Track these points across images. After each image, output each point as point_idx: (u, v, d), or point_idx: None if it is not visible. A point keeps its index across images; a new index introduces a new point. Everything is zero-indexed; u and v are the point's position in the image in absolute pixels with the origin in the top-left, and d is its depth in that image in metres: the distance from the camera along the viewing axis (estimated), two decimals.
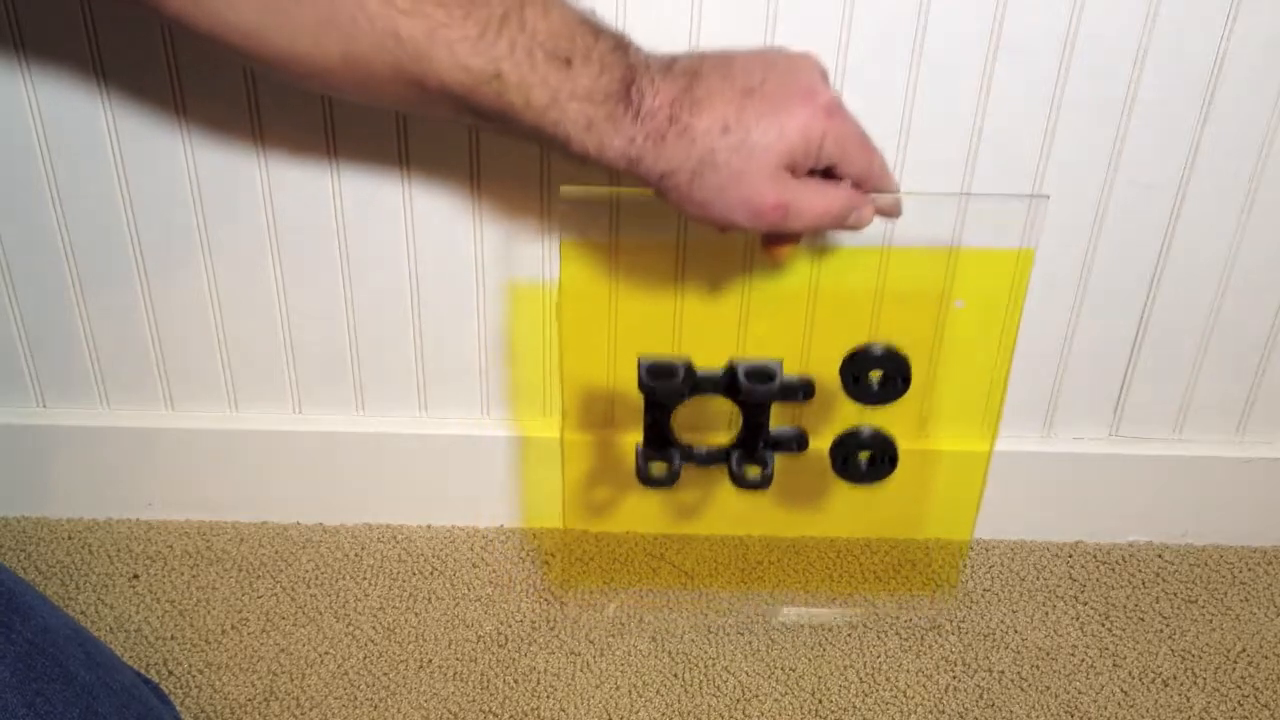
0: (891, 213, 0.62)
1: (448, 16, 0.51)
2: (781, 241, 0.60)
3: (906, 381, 0.66)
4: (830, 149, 0.56)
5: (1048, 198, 0.67)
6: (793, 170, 0.56)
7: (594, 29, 0.53)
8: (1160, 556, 0.81)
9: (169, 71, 0.66)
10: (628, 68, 0.54)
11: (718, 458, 0.68)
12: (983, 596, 0.78)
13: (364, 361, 0.76)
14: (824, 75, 0.57)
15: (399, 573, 0.78)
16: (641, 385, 0.65)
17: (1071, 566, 0.80)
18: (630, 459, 0.69)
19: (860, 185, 0.58)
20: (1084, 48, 0.64)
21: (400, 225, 0.71)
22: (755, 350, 0.71)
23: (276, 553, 0.79)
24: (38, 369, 0.77)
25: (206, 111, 0.67)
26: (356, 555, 0.79)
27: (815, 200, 0.57)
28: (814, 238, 0.68)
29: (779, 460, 0.68)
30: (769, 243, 0.61)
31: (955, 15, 0.63)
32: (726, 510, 0.80)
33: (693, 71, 0.55)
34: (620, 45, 0.54)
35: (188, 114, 0.67)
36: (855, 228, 0.59)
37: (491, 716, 0.69)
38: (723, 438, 0.69)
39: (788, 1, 0.63)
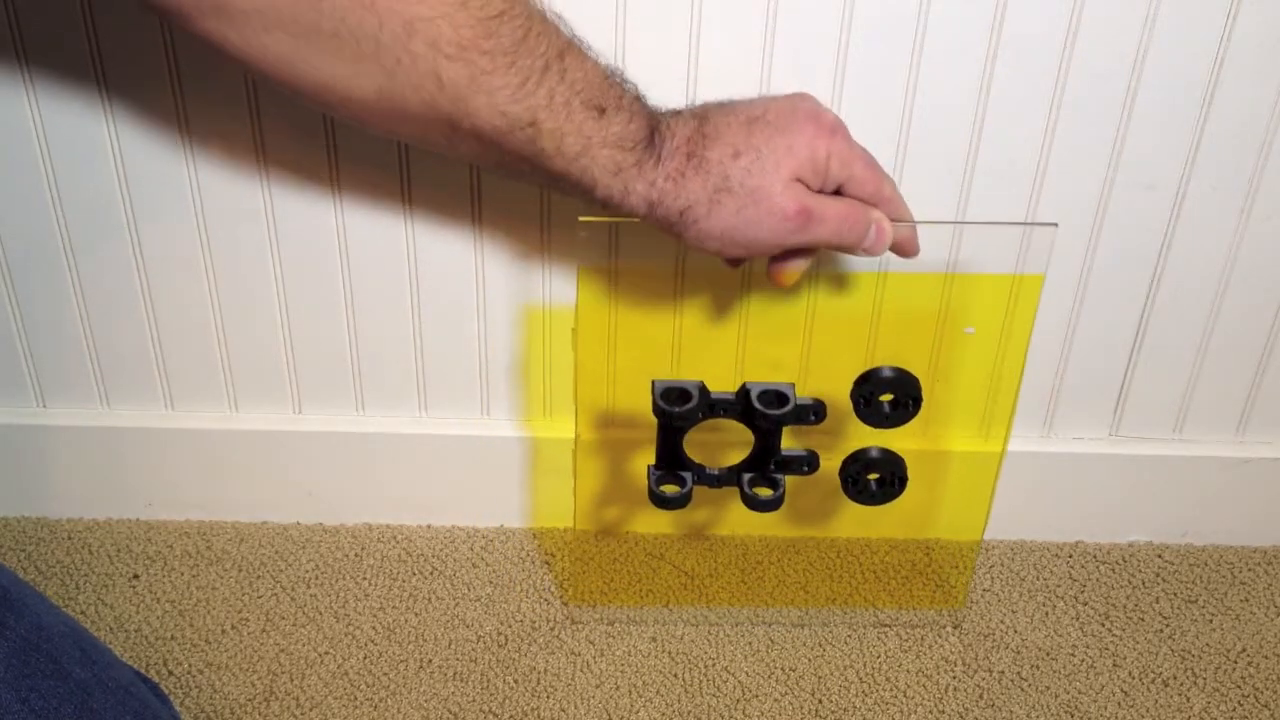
0: (908, 249, 0.62)
1: (492, 65, 0.52)
2: (788, 261, 0.61)
3: (917, 404, 0.66)
4: (836, 169, 0.57)
5: (1055, 225, 0.67)
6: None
7: (618, 80, 0.55)
8: (1160, 556, 0.81)
9: (170, 74, 0.66)
10: (650, 115, 0.56)
11: (729, 480, 0.68)
12: (983, 596, 0.78)
13: (364, 361, 0.76)
14: (820, 104, 0.59)
15: (399, 573, 0.78)
16: (656, 409, 0.64)
17: (1071, 566, 0.80)
18: (641, 478, 0.69)
19: (874, 206, 0.59)
20: (1084, 48, 0.64)
21: (400, 225, 0.71)
22: (765, 373, 0.71)
23: (276, 553, 0.79)
24: (38, 369, 0.77)
25: (207, 113, 0.67)
26: (356, 555, 0.79)
27: (834, 206, 0.58)
28: (825, 264, 0.69)
29: (789, 481, 0.68)
30: (776, 262, 0.61)
31: (955, 15, 0.63)
32: (737, 529, 0.80)
33: (700, 114, 0.57)
34: (640, 95, 0.56)
35: (189, 115, 0.67)
36: (871, 251, 0.60)
37: (491, 716, 0.69)
38: (733, 456, 0.68)
39: (788, 1, 0.63)
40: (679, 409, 0.64)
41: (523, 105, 0.53)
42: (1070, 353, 0.75)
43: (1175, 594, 0.78)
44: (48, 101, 0.67)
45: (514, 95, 0.52)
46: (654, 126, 0.56)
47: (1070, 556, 0.81)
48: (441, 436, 0.78)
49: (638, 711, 0.70)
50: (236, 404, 0.78)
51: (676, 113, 0.58)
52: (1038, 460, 0.79)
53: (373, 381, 0.77)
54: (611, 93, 0.54)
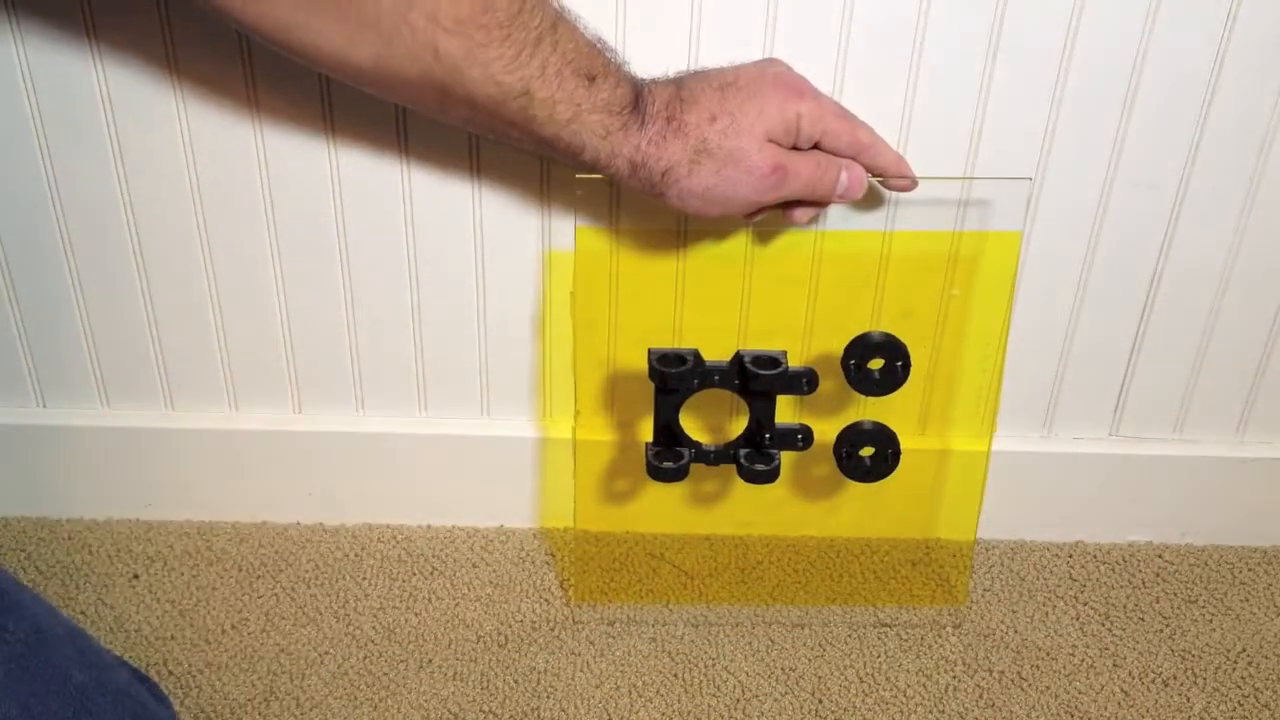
0: (901, 186, 0.64)
1: (487, 38, 0.54)
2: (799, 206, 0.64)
3: (906, 368, 0.67)
4: (808, 127, 0.60)
5: (1030, 179, 0.68)
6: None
7: (605, 47, 0.58)
8: (1160, 556, 0.81)
9: (170, 71, 0.66)
10: (634, 80, 0.59)
11: (725, 456, 0.69)
12: (983, 596, 0.78)
13: (364, 361, 0.76)
14: (789, 69, 0.62)
15: (399, 573, 0.78)
16: (652, 373, 0.66)
17: (1071, 566, 0.80)
18: (641, 452, 0.70)
19: (854, 156, 0.62)
20: (1084, 48, 0.64)
21: (400, 226, 0.71)
22: (758, 345, 0.71)
23: (276, 553, 0.79)
24: (38, 369, 0.77)
25: (206, 112, 0.67)
26: (356, 555, 0.79)
27: (805, 161, 0.61)
28: (819, 221, 0.69)
29: (786, 458, 0.69)
30: (789, 207, 0.64)
31: (955, 15, 0.63)
32: (739, 504, 0.80)
33: (677, 81, 0.61)
34: (623, 62, 0.59)
35: (188, 114, 0.67)
36: (847, 196, 0.63)
37: (491, 716, 0.69)
38: (729, 435, 0.69)
39: (788, 1, 0.63)
40: (675, 371, 0.66)
41: (516, 76, 0.55)
42: (1070, 353, 0.75)
43: (1175, 594, 0.78)
44: (48, 103, 0.67)
45: (508, 66, 0.54)
46: (639, 91, 0.58)
47: (1070, 556, 0.81)
48: (441, 436, 0.78)
49: (638, 711, 0.70)
50: (236, 404, 0.78)
51: (654, 80, 0.60)
52: (1038, 460, 0.79)
53: (373, 381, 0.77)
54: (599, 60, 0.57)
